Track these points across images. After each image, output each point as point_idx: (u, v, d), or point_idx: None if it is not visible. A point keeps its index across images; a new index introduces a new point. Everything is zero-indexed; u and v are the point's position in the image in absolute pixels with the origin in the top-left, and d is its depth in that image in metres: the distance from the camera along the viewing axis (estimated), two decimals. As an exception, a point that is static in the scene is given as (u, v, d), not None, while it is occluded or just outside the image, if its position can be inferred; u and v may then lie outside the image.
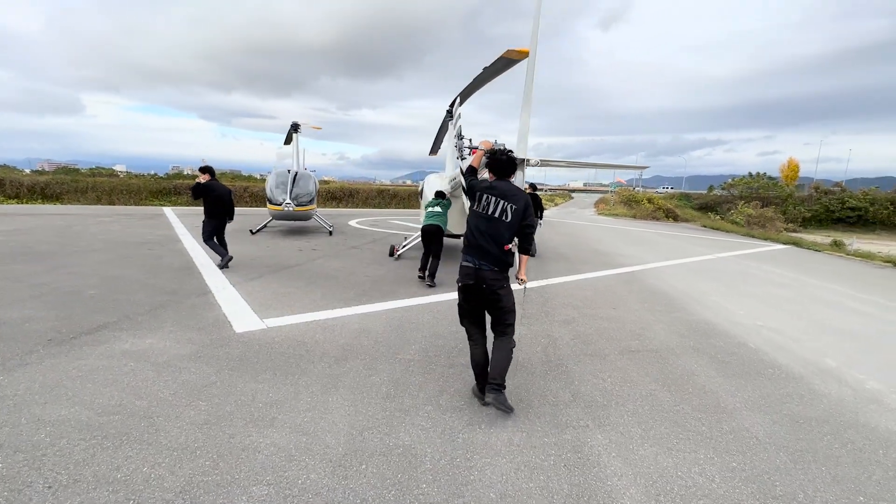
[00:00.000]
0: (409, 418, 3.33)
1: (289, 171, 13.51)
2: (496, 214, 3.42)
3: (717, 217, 36.23)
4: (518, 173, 4.35)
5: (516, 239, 3.59)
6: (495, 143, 4.42)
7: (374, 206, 30.11)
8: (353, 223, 17.96)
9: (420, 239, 8.53)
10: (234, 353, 4.33)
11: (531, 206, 3.55)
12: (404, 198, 32.99)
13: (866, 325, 6.57)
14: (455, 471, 2.76)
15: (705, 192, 59.47)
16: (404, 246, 10.62)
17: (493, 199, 3.45)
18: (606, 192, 73.32)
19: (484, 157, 3.96)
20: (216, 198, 8.21)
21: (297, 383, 3.79)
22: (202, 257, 9.05)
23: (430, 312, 6.02)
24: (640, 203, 40.20)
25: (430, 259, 7.88)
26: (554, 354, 4.76)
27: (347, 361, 4.30)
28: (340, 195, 30.73)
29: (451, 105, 10.95)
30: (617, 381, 4.18)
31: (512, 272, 3.55)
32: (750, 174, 53.22)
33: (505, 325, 3.51)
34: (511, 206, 3.42)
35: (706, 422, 3.52)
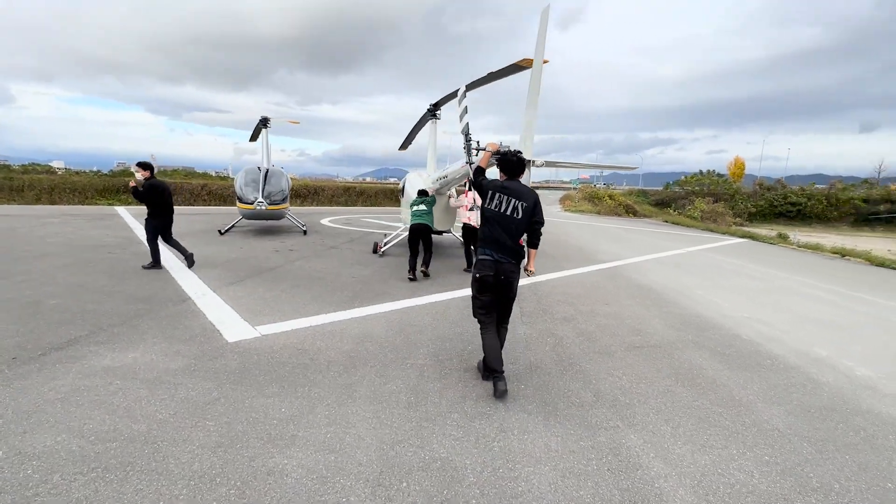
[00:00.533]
0: (437, 428, 3.17)
1: (259, 168, 12.88)
2: (508, 212, 3.67)
3: (675, 212, 37.92)
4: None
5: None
6: (500, 144, 4.59)
7: (341, 204, 29.33)
8: (325, 222, 17.40)
9: (405, 236, 8.63)
10: (232, 366, 4.00)
11: (540, 204, 3.78)
12: (371, 195, 32.30)
13: (839, 315, 6.97)
14: (501, 482, 2.62)
15: (661, 188, 62.12)
16: (387, 243, 10.58)
17: (507, 197, 3.69)
18: (569, 188, 75.20)
19: (492, 158, 4.20)
20: (162, 194, 7.66)
21: (308, 396, 3.54)
22: (171, 260, 8.44)
23: (429, 314, 5.85)
24: (603, 199, 41.49)
25: (423, 253, 8.07)
26: (563, 353, 4.71)
27: (357, 369, 4.07)
28: (304, 193, 29.71)
29: (434, 105, 10.93)
30: (632, 378, 4.18)
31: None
32: (700, 172, 56.08)
33: (508, 314, 3.99)
34: (522, 205, 3.68)
35: (727, 416, 3.57)
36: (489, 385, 3.83)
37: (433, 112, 11.18)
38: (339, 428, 3.10)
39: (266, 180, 12.23)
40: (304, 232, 13.14)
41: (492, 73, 6.55)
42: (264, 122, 13.87)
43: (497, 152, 4.22)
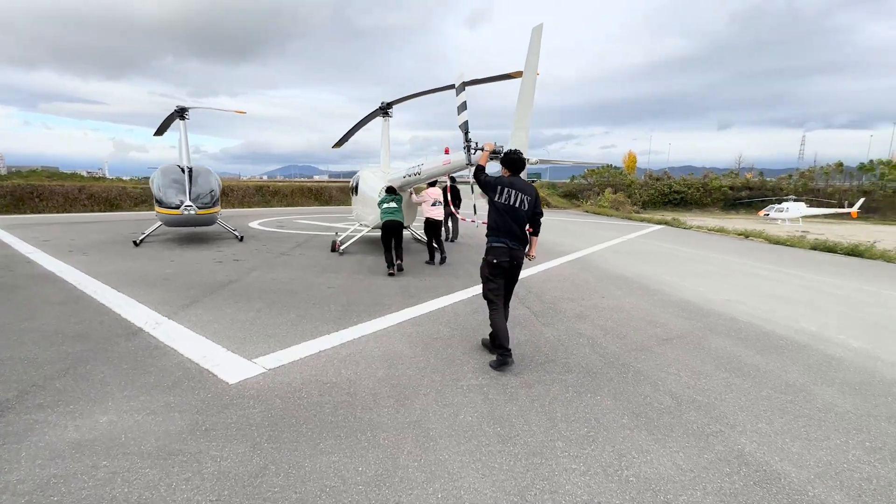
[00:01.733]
0: (551, 462, 2.71)
1: (180, 166, 11.03)
2: (516, 204, 4.08)
3: (588, 203, 40.73)
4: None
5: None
6: (495, 144, 5.26)
7: (256, 205, 26.70)
8: (254, 225, 15.63)
9: (363, 234, 9.78)
10: (256, 416, 3.14)
11: (539, 197, 4.25)
12: (287, 195, 29.81)
13: (791, 291, 7.72)
14: (670, 522, 2.26)
15: (567, 181, 66.60)
16: (343, 242, 10.33)
17: (514, 192, 4.08)
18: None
19: (490, 156, 4.83)
20: None
21: (377, 443, 2.86)
22: (85, 280, 6.79)
23: (442, 324, 5.30)
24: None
25: (395, 248, 8.10)
26: (606, 354, 4.50)
27: (410, 400, 3.43)
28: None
29: (387, 104, 10.85)
30: (688, 373, 4.08)
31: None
32: (601, 165, 61.18)
33: (511, 293, 4.41)
34: (527, 198, 4.11)
35: (798, 403, 3.59)
36: (576, 404, 3.46)
37: (385, 110, 10.89)
38: (445, 483, 2.50)
39: (192, 181, 10.51)
40: (240, 238, 11.58)
41: (484, 78, 7.08)
42: (180, 113, 11.93)
43: (494, 151, 4.99)
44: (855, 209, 37.03)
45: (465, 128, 5.99)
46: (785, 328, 5.55)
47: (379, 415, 3.21)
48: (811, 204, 38.27)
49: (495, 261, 4.10)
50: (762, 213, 36.24)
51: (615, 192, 42.94)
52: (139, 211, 21.16)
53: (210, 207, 10.59)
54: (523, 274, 8.25)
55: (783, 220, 33.49)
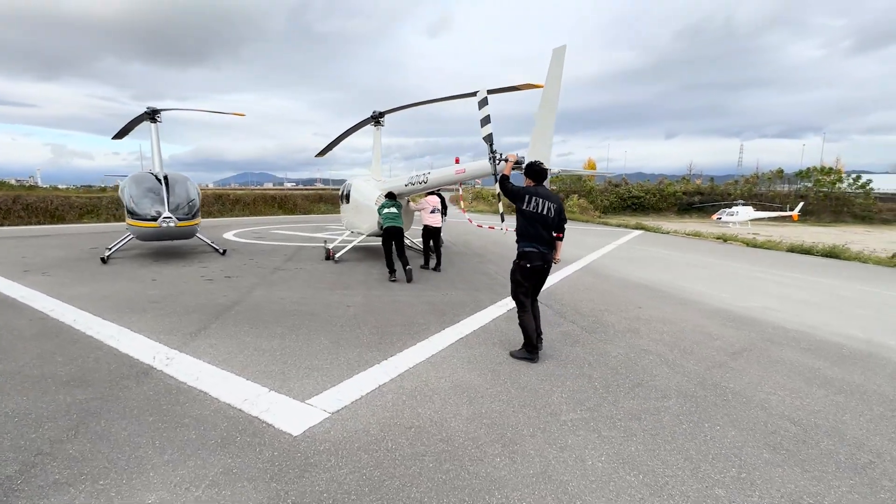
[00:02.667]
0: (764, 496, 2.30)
1: (154, 174, 9.94)
2: (543, 212, 4.31)
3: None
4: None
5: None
6: (517, 155, 5.40)
7: (218, 216, 24.84)
8: (229, 237, 14.49)
9: (360, 241, 9.97)
10: (348, 481, 2.54)
11: (563, 206, 4.48)
12: (249, 203, 28.10)
13: (812, 295, 7.82)
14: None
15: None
16: (337, 250, 10.31)
17: (541, 200, 4.32)
18: (453, 190, 77.41)
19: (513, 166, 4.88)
20: None
21: (514, 508, 2.34)
22: (57, 307, 5.79)
23: (497, 344, 4.82)
24: (489, 199, 43.42)
25: (399, 255, 8.15)
26: (687, 372, 4.18)
27: (519, 445, 2.93)
28: None
29: (380, 112, 10.83)
30: (785, 392, 3.83)
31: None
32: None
33: (539, 293, 4.62)
34: (553, 206, 4.35)
35: (914, 421, 3.39)
36: (700, 437, 3.08)
37: (377, 119, 10.87)
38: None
39: (169, 189, 9.46)
40: (223, 252, 10.57)
41: (498, 88, 7.22)
42: (151, 116, 10.81)
43: (517, 162, 5.15)
44: (795, 212, 39.79)
45: (489, 140, 6.09)
46: (836, 335, 5.47)
47: (495, 467, 2.69)
48: (757, 208, 40.78)
49: (529, 265, 4.36)
50: (714, 216, 38.05)
51: (579, 198, 43.93)
52: (89, 223, 19.30)
53: (190, 219, 9.58)
54: (545, 284, 8.03)
55: (734, 222, 35.36)
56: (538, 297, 4.68)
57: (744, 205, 39.28)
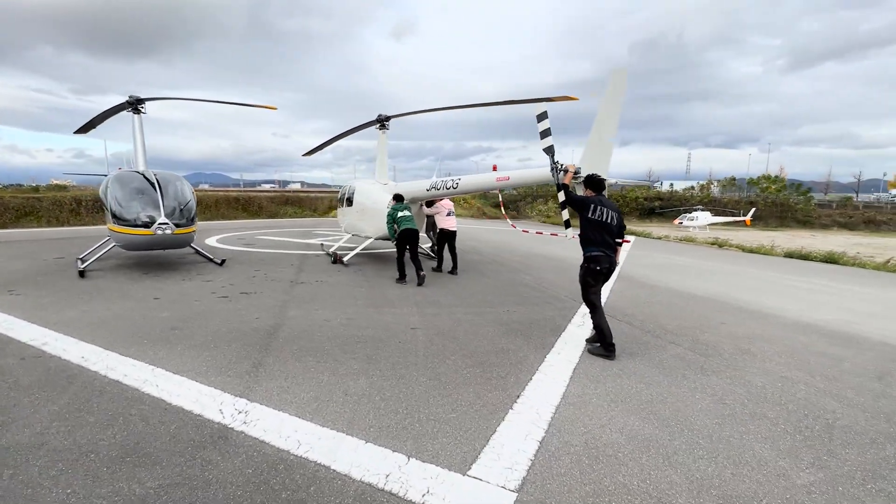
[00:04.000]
0: None
1: (141, 173, 8.55)
2: (607, 220, 4.63)
3: (516, 213, 41.39)
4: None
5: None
6: (575, 165, 5.71)
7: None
8: (213, 243, 13.04)
9: (367, 244, 9.97)
10: None
11: (622, 214, 4.82)
12: (211, 205, 25.47)
13: (867, 305, 7.67)
14: None
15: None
16: (343, 252, 10.30)
17: (604, 209, 4.65)
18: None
19: (575, 177, 5.48)
20: None
21: None
22: (52, 338, 4.57)
23: (628, 375, 4.13)
24: (464, 203, 43.04)
25: (412, 259, 8.06)
26: (873, 411, 3.66)
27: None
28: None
29: (387, 117, 10.60)
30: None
31: None
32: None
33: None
34: (615, 214, 4.70)
35: None
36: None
37: (383, 123, 10.73)
38: None
39: (163, 191, 8.14)
40: (221, 263, 9.29)
41: (534, 98, 6.89)
42: (134, 106, 9.36)
43: (575, 172, 5.56)
44: (749, 217, 42.04)
45: (550, 151, 6.13)
46: (812, 318, 5.58)
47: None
48: (714, 213, 42.70)
49: (598, 267, 4.63)
50: (676, 221, 39.31)
51: (545, 203, 44.28)
52: (29, 227, 17.06)
53: (188, 225, 8.29)
54: (626, 302, 7.32)
55: (694, 227, 36.74)
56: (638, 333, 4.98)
57: (703, 210, 41.05)
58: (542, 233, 18.79)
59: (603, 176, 5.11)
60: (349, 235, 11.18)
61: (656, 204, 53.69)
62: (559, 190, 5.36)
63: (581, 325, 5.73)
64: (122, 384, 3.64)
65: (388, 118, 10.79)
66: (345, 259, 9.88)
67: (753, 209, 42.98)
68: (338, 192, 13.09)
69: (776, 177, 57.73)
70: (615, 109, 5.58)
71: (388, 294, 7.13)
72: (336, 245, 11.44)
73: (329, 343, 4.77)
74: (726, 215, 43.47)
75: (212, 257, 9.50)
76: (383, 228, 8.91)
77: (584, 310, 5.71)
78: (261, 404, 3.37)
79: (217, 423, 3.09)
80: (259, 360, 4.25)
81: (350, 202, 10.73)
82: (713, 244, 17.71)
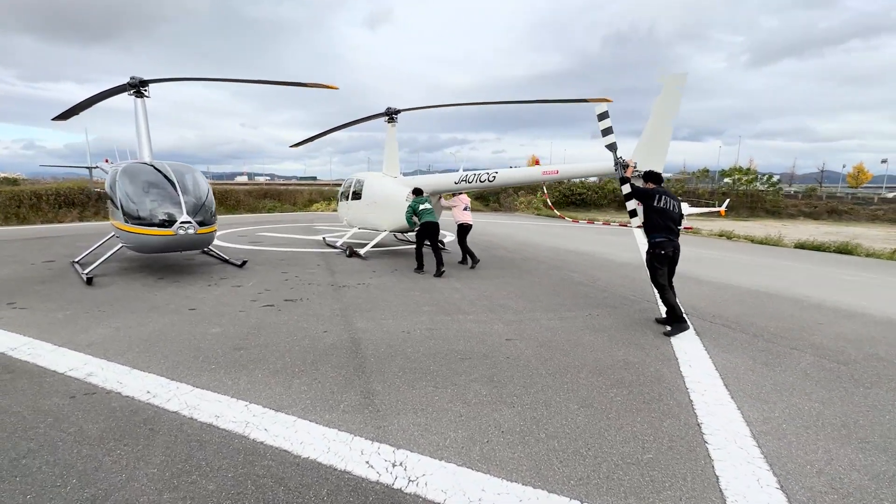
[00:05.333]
0: None
1: (151, 164, 7.52)
2: (670, 208, 5.14)
3: (522, 204, 41.25)
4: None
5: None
6: (632, 161, 6.19)
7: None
8: (217, 241, 11.95)
9: (382, 237, 10.06)
10: None
11: (681, 203, 5.31)
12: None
13: (828, 280, 7.54)
14: None
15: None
16: (355, 246, 10.26)
17: (667, 198, 5.16)
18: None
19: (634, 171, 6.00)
20: None
21: None
22: (79, 364, 3.74)
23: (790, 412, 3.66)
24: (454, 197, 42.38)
25: (433, 251, 8.14)
26: None
27: None
28: (80, 199, 19.59)
29: (396, 111, 10.52)
30: None
31: None
32: (511, 167, 63.23)
33: (673, 275, 5.35)
34: (675, 203, 5.21)
35: None
36: None
37: (392, 116, 10.60)
38: None
39: (181, 186, 7.16)
40: (242, 264, 8.38)
41: (569, 99, 7.82)
42: (137, 89, 8.24)
43: (635, 169, 6.07)
44: (723, 208, 43.24)
45: (613, 147, 6.29)
46: (833, 301, 5.06)
47: None
48: (691, 205, 43.67)
49: (662, 252, 5.14)
50: None
51: (527, 195, 44.20)
52: None
53: (210, 224, 7.35)
54: (700, 302, 6.91)
55: None
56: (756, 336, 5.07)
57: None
58: (625, 224, 18.27)
59: (658, 170, 5.64)
60: (355, 229, 11.09)
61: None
62: (623, 183, 5.87)
63: (692, 338, 5.26)
64: (220, 429, 2.89)
65: (397, 111, 10.65)
66: (361, 252, 9.76)
67: (728, 200, 44.23)
68: (318, 184, 13.35)
69: (748, 169, 59.60)
70: (671, 111, 5.89)
71: (448, 297, 6.49)
72: (342, 239, 11.31)
73: (430, 361, 4.11)
74: (702, 206, 44.61)
75: (229, 258, 8.58)
76: (399, 221, 9.22)
77: (664, 309, 5.37)
78: (411, 451, 2.71)
79: (375, 482, 2.42)
80: (366, 387, 3.56)
81: (357, 196, 10.64)
82: (721, 236, 17.75)
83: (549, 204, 17.49)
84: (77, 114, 9.84)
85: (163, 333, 4.70)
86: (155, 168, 7.32)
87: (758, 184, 52.72)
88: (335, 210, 15.26)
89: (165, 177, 7.16)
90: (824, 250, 14.13)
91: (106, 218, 19.20)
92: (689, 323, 5.11)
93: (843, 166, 69.97)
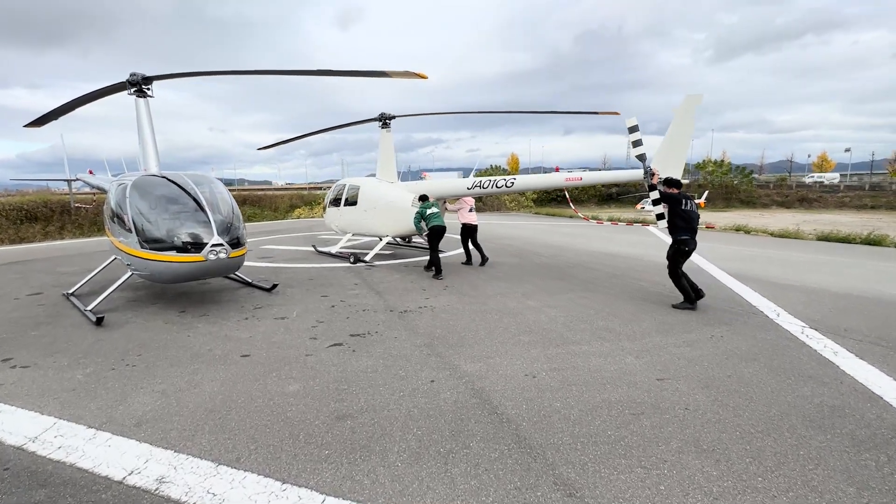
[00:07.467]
0: None
1: (165, 176, 6.29)
2: (692, 210, 6.02)
3: (511, 204, 40.65)
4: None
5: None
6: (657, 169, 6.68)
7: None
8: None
9: (385, 242, 9.98)
10: None
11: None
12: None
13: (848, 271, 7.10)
14: None
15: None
16: (360, 253, 10.16)
17: (691, 202, 6.07)
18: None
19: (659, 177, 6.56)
20: None
21: None
22: (146, 465, 2.67)
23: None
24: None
25: (435, 254, 8.28)
26: None
27: None
28: (45, 213, 18.00)
29: (390, 116, 10.42)
30: None
31: None
32: (492, 166, 62.23)
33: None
34: (696, 206, 6.14)
35: None
36: None
37: (385, 122, 10.52)
38: None
39: (207, 203, 5.98)
40: (271, 289, 7.24)
41: (581, 111, 8.98)
42: (138, 88, 6.95)
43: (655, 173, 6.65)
44: (702, 200, 43.83)
45: (643, 158, 6.78)
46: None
47: None
48: None
49: (686, 248, 6.01)
50: (639, 206, 39.42)
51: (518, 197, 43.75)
52: None
53: (242, 245, 6.19)
54: (814, 314, 6.18)
55: (655, 211, 37.40)
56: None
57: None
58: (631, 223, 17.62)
59: (677, 177, 6.36)
60: (349, 235, 10.90)
61: (613, 190, 54.91)
62: (650, 190, 6.68)
63: (824, 347, 4.54)
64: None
65: (391, 117, 10.53)
66: (367, 258, 9.67)
67: (706, 192, 44.87)
68: (297, 188, 13.03)
69: (721, 161, 60.83)
70: (690, 126, 6.64)
71: (534, 319, 5.61)
72: (338, 246, 11.10)
73: (600, 423, 3.20)
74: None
75: (252, 281, 7.42)
76: (402, 226, 9.29)
77: (798, 326, 4.98)
78: None
79: None
80: (555, 477, 2.61)
81: (351, 202, 10.34)
82: (738, 230, 17.46)
83: (573, 207, 17.40)
84: (56, 118, 8.51)
85: (228, 398, 3.62)
86: (171, 181, 6.11)
87: (733, 175, 53.94)
88: (321, 217, 14.76)
89: (186, 192, 5.96)
90: (850, 242, 13.89)
91: (78, 235, 17.68)
92: (696, 304, 6.07)
93: (808, 156, 72.60)
